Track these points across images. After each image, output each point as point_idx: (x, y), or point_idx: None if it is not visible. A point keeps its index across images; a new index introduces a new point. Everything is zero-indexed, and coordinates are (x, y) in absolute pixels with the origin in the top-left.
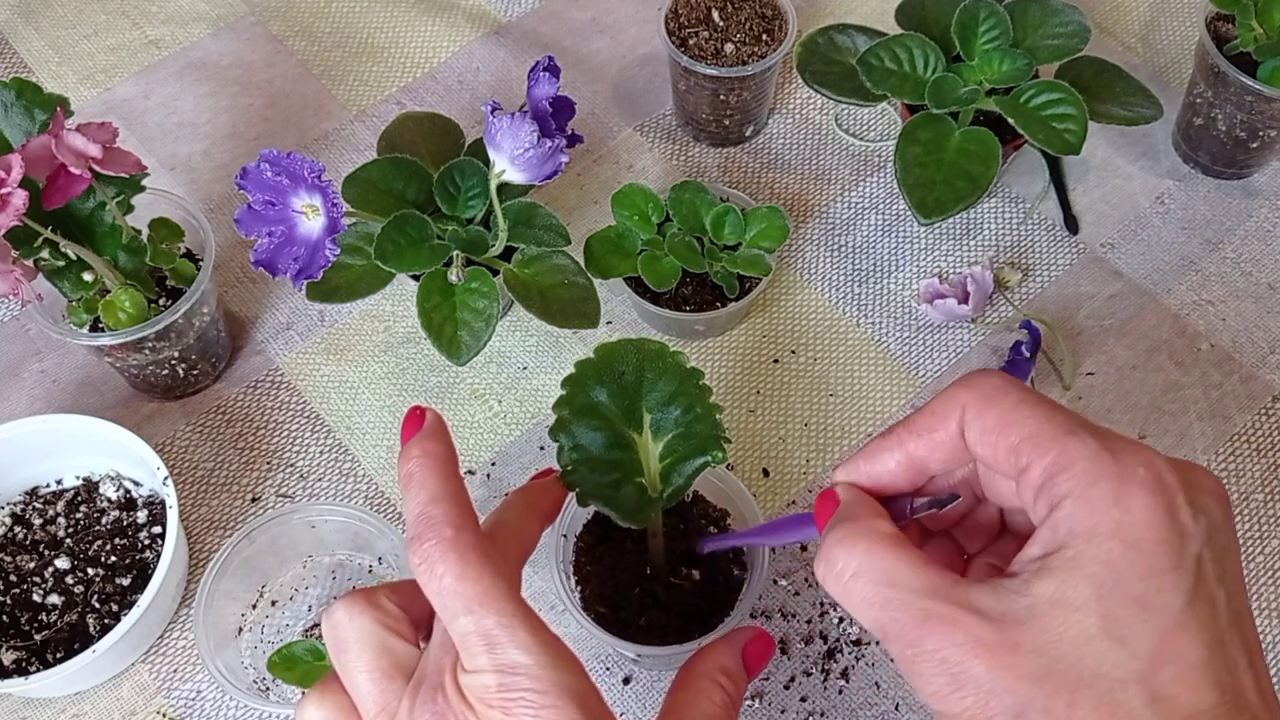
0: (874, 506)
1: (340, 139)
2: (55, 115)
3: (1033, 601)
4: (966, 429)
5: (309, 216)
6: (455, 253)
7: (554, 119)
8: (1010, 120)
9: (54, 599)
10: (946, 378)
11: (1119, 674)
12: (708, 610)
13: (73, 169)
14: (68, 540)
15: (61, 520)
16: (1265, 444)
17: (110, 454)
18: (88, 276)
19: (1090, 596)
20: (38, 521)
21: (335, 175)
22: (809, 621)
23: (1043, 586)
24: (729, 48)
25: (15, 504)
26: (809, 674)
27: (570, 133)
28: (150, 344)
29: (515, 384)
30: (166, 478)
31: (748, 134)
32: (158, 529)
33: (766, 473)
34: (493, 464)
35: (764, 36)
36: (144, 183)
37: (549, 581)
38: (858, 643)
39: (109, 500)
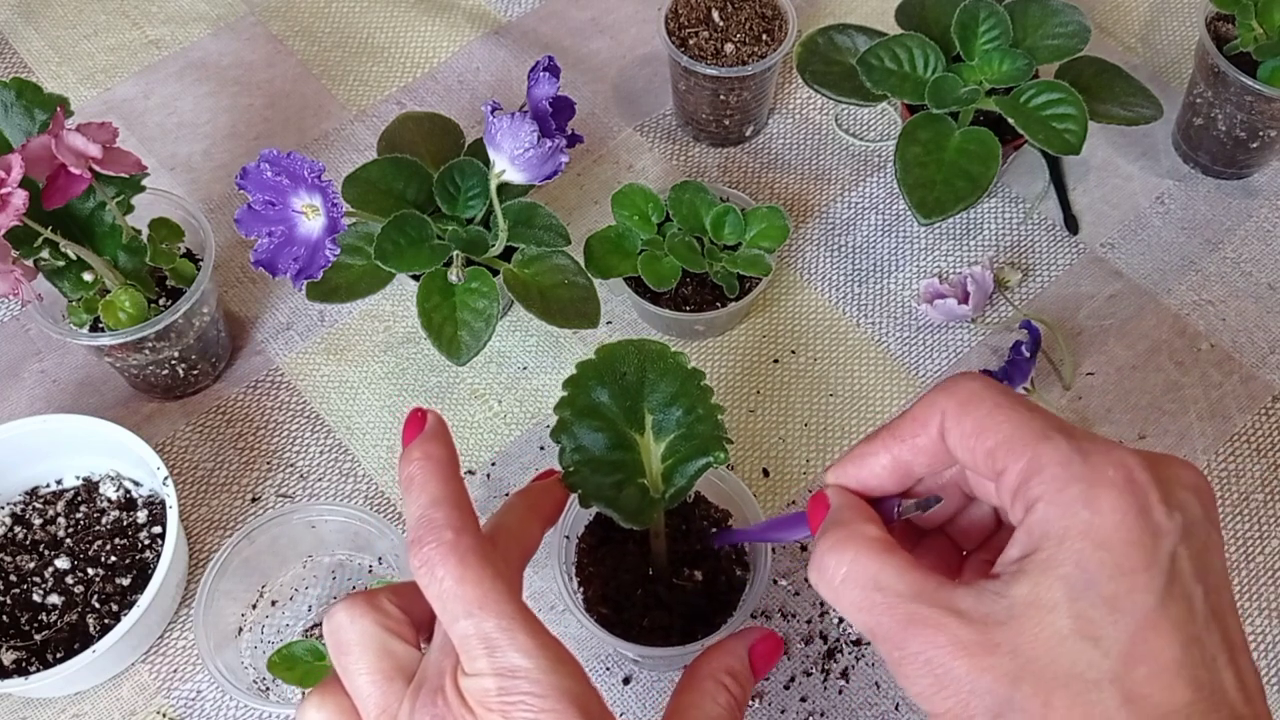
0: (862, 510)
1: (340, 139)
2: (55, 115)
3: (1010, 603)
4: (946, 434)
5: (309, 216)
6: (455, 253)
7: (554, 119)
8: (1010, 120)
9: (54, 599)
10: (946, 377)
11: (1093, 674)
12: (710, 611)
13: (73, 169)
14: (68, 540)
15: (61, 520)
16: (1265, 444)
17: (110, 454)
18: (88, 276)
19: (1063, 597)
20: (38, 521)
21: (335, 175)
22: (809, 621)
23: (1019, 588)
24: (729, 48)
25: (15, 504)
26: (809, 674)
27: (570, 133)
28: (150, 344)
29: (515, 384)
30: (166, 478)
31: (748, 134)
32: (158, 529)
33: (767, 473)
34: (493, 464)
35: (764, 36)
36: (144, 183)
37: (551, 582)
38: (858, 643)
39: (109, 500)
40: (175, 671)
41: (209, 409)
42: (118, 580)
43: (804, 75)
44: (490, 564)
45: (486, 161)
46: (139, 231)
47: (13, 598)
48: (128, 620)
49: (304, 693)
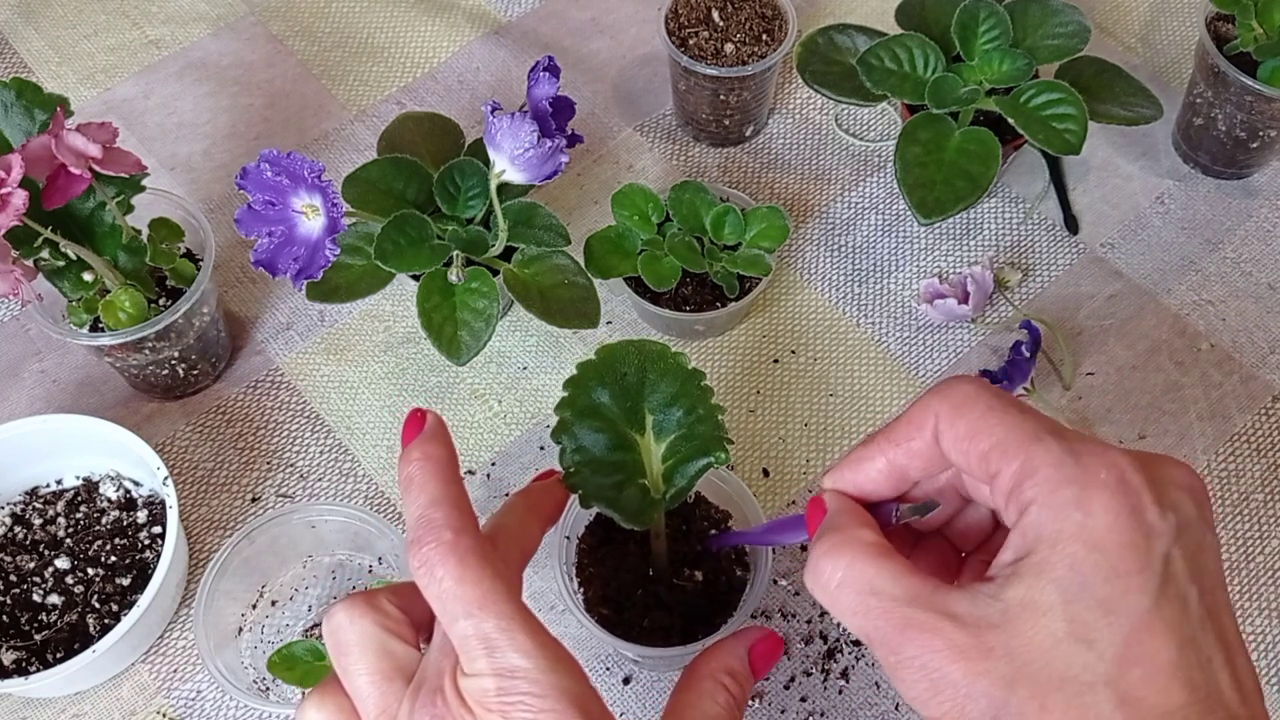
0: (859, 515)
1: (340, 139)
2: (55, 115)
3: (1005, 606)
4: (940, 437)
5: (309, 216)
6: (455, 253)
7: (554, 119)
8: (1010, 120)
9: (54, 599)
10: (946, 377)
11: (1088, 677)
12: (711, 611)
13: (73, 169)
14: (68, 540)
15: (61, 520)
16: (1265, 444)
17: (110, 454)
18: (88, 276)
19: (1057, 600)
20: (38, 521)
21: (335, 175)
22: (809, 621)
23: (1013, 591)
24: (729, 48)
25: (15, 504)
26: (809, 674)
27: (570, 133)
28: (150, 344)
29: (515, 384)
30: (166, 478)
31: (748, 134)
32: (158, 529)
33: (767, 473)
34: (493, 464)
35: (764, 36)
36: (144, 183)
37: (551, 583)
38: (858, 643)
39: (109, 500)
40: (175, 671)
41: (209, 409)
42: (118, 580)
43: (804, 75)
44: (489, 564)
45: (486, 161)
46: (139, 231)
47: (13, 598)
48: (128, 620)
49: (304, 693)
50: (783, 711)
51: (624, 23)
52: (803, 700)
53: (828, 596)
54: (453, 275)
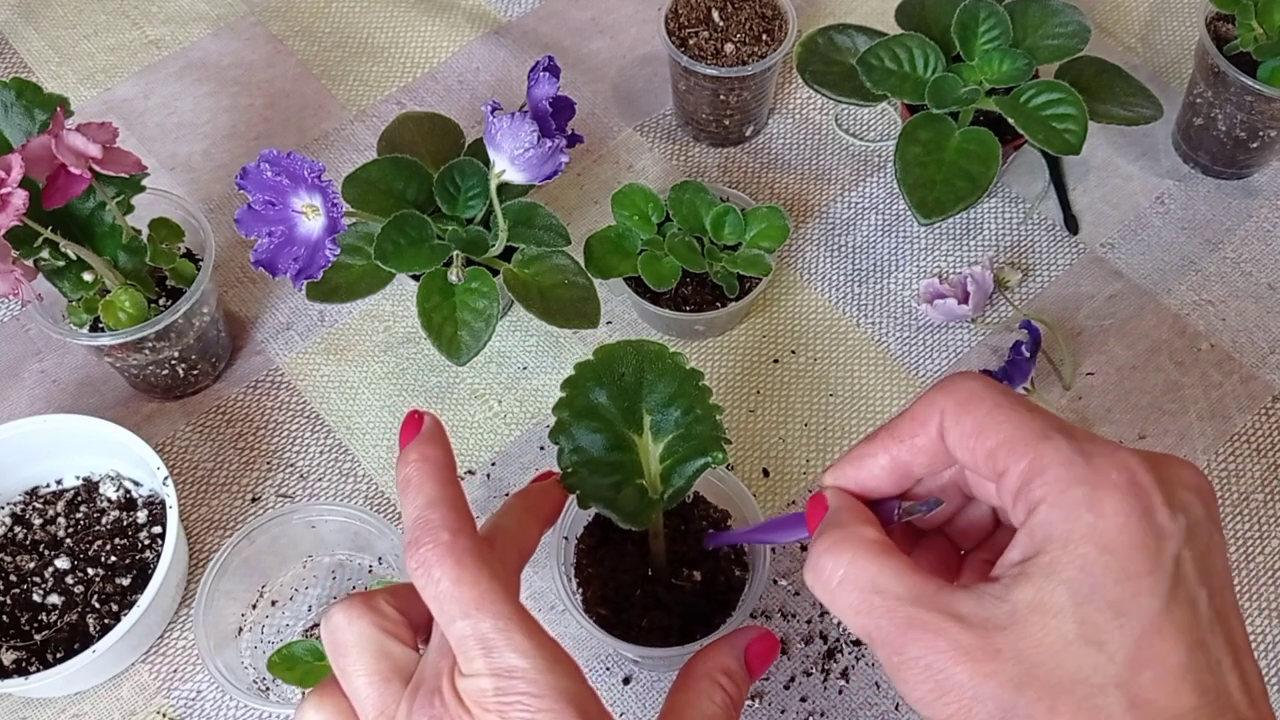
0: (861, 512)
1: (340, 139)
2: (55, 115)
3: (1013, 607)
4: (946, 434)
5: (309, 216)
6: (455, 253)
7: (554, 119)
8: (1010, 120)
9: (54, 599)
10: (945, 377)
11: (1098, 679)
12: (709, 611)
13: (73, 169)
14: (68, 540)
15: (61, 520)
16: (1265, 444)
17: (110, 454)
18: (88, 276)
19: (1067, 602)
20: (38, 521)
21: (335, 175)
22: (809, 621)
23: (1022, 592)
24: (729, 48)
25: (15, 504)
26: (809, 674)
27: (570, 133)
28: (150, 344)
29: (515, 384)
30: (166, 478)
31: (748, 134)
32: (158, 529)
33: (766, 473)
34: (493, 464)
35: (764, 36)
36: (144, 183)
37: (550, 583)
38: (858, 643)
39: (109, 500)
40: (175, 671)
41: (209, 409)
42: (118, 580)
43: (804, 75)
44: (487, 565)
45: (486, 161)
46: (139, 231)
47: (13, 598)
48: (128, 620)
49: (304, 693)
50: (783, 711)
51: (624, 23)
52: (803, 700)
53: (828, 594)
54: (453, 275)
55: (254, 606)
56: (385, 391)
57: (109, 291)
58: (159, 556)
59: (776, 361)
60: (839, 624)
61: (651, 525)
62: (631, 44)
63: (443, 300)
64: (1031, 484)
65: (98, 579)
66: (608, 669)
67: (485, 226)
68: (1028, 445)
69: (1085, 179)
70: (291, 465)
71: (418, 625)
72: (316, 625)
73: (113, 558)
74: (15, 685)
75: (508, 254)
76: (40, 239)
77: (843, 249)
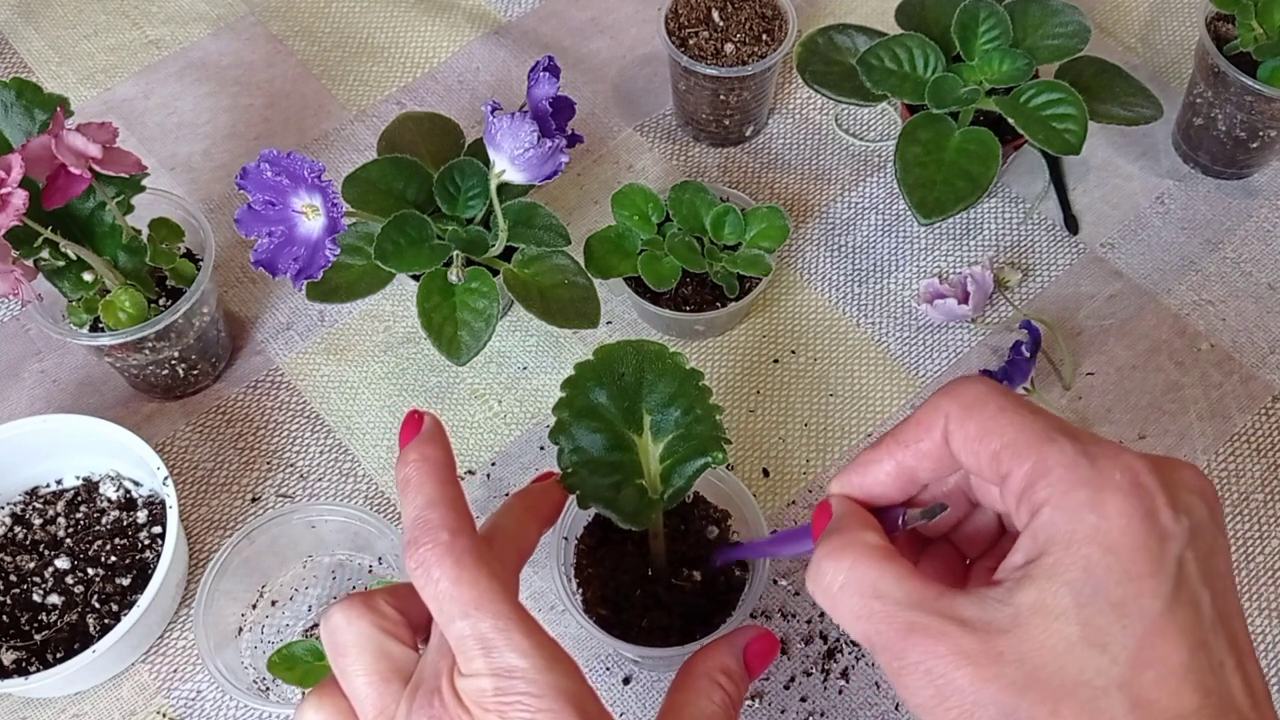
0: (863, 518)
1: (340, 139)
2: (55, 115)
3: (1015, 610)
4: (950, 438)
5: (309, 216)
6: (455, 253)
7: (554, 119)
8: (1010, 120)
9: (54, 599)
10: (946, 378)
11: (1101, 681)
12: (709, 611)
13: (73, 169)
14: (68, 540)
15: (61, 520)
16: (1265, 444)
17: (110, 454)
18: (88, 276)
19: (1070, 604)
20: (38, 521)
21: (335, 175)
22: (809, 621)
23: (1024, 595)
24: (729, 48)
25: (15, 504)
26: (809, 674)
27: (570, 133)
28: (150, 344)
29: (515, 384)
30: (166, 478)
31: (748, 134)
32: (158, 529)
33: (766, 473)
34: (493, 464)
35: (764, 36)
36: (144, 183)
37: (550, 583)
38: (857, 643)
39: (109, 500)
40: (175, 671)
41: (209, 409)
42: (118, 580)
43: (804, 75)
44: (486, 565)
45: (486, 161)
46: (139, 231)
47: (13, 598)
48: (128, 620)
49: (304, 693)
50: (783, 711)
51: (624, 23)
52: (803, 700)
53: (829, 599)
54: (453, 275)
55: (254, 606)
56: (385, 391)
57: (109, 291)
58: (159, 556)
59: (776, 361)
60: (839, 625)
61: (651, 525)
62: (631, 44)
63: (443, 300)
64: (1035, 486)
65: (98, 579)
66: (608, 669)
67: (485, 226)
68: (1031, 448)
69: (1085, 179)
70: (291, 465)
71: (417, 625)
72: (316, 625)
73: (113, 558)
74: (15, 685)
75: (508, 254)
76: (40, 239)
77: (843, 249)
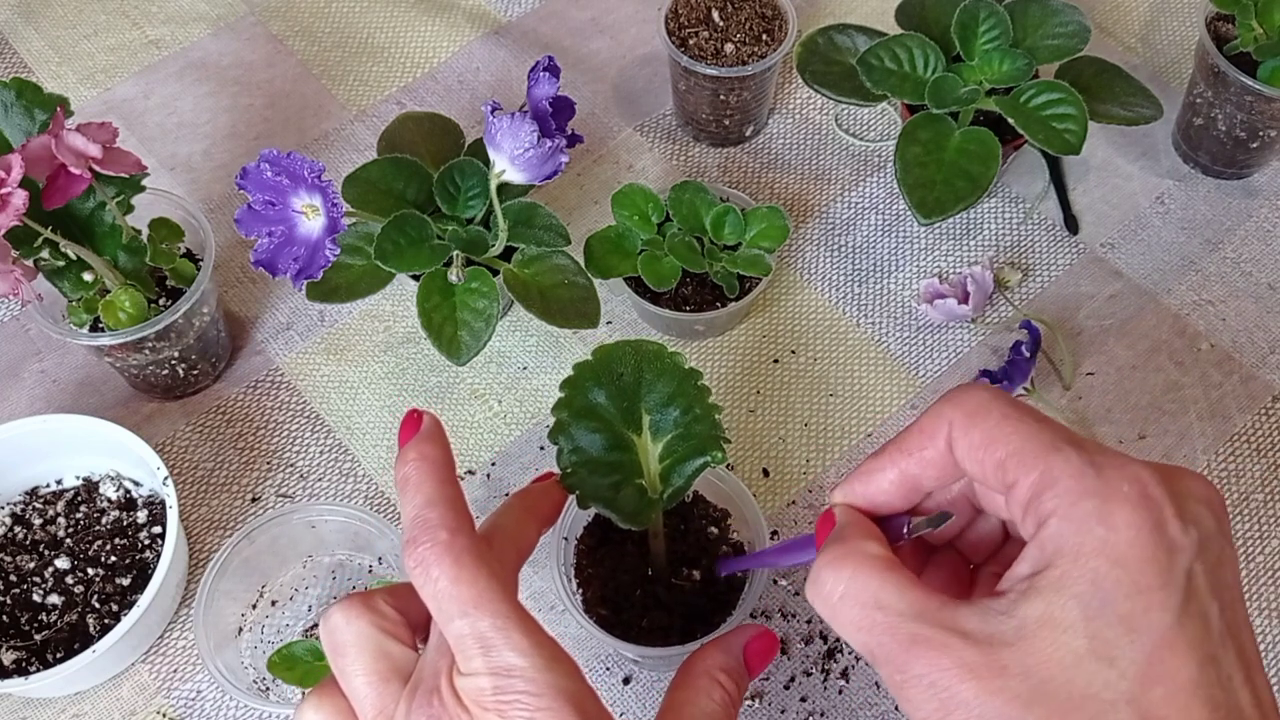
0: (866, 528)
1: (340, 139)
2: (55, 115)
3: (1020, 622)
4: (954, 446)
5: (309, 216)
6: (455, 253)
7: (554, 119)
8: (1010, 120)
9: (54, 599)
10: (946, 377)
11: (1109, 695)
12: (709, 611)
13: (73, 169)
14: (68, 540)
15: (61, 520)
16: (1265, 444)
17: (110, 454)
18: (88, 276)
19: (1078, 617)
20: (38, 521)
21: (335, 175)
22: (809, 621)
23: (1030, 607)
24: (729, 48)
25: (15, 504)
26: (809, 674)
27: (570, 133)
28: (150, 344)
29: (515, 384)
30: (166, 478)
31: (748, 134)
32: (158, 529)
33: (766, 473)
34: (493, 464)
35: (764, 36)
36: (144, 183)
37: (550, 583)
38: None
39: (109, 500)
40: (175, 671)
41: (209, 409)
42: (118, 580)
43: (804, 75)
44: (485, 564)
45: (486, 161)
46: (139, 231)
47: (13, 598)
48: (128, 620)
49: (304, 693)
50: (783, 711)
51: (624, 23)
52: (803, 700)
53: (829, 609)
54: (453, 275)
55: (254, 606)
56: (385, 391)
57: (109, 291)
58: (159, 556)
59: (776, 361)
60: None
61: (651, 525)
62: (631, 44)
63: (443, 300)
64: (1041, 496)
65: (98, 579)
66: (608, 669)
67: (485, 226)
68: (1037, 457)
69: (1085, 179)
70: (291, 465)
71: (416, 625)
72: (316, 625)
73: (113, 558)
74: (15, 685)
75: (508, 254)
76: (40, 239)
77: (843, 249)
